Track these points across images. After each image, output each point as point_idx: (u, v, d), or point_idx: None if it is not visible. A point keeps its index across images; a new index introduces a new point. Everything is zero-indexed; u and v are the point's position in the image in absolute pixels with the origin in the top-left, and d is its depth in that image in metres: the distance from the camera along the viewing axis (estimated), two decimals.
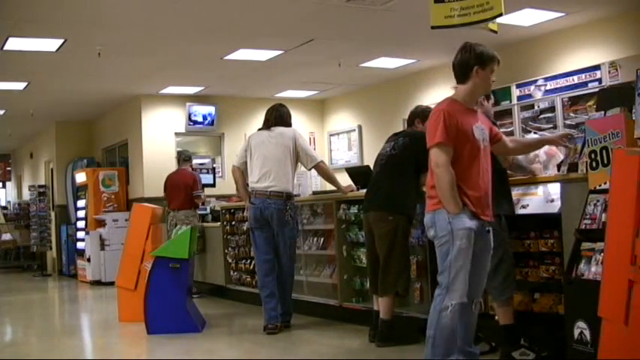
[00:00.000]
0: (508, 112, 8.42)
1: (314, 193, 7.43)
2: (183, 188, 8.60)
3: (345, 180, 6.35)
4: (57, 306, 9.92)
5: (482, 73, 3.84)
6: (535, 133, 7.41)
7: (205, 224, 8.83)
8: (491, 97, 4.73)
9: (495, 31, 5.46)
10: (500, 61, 3.93)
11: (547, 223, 4.37)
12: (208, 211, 9.27)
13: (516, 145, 4.29)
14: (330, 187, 6.46)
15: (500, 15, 5.07)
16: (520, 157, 4.72)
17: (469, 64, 3.84)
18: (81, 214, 12.30)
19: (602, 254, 3.51)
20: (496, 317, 4.58)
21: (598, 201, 3.72)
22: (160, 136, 11.18)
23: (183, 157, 8.90)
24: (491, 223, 3.84)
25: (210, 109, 11.47)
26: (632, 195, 3.19)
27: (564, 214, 4.15)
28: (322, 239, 6.61)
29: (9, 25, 7.06)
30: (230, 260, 8.02)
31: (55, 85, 10.08)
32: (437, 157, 3.67)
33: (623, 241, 3.21)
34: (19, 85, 9.87)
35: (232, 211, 7.96)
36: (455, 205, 3.62)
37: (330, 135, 12.36)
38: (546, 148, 4.79)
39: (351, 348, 5.31)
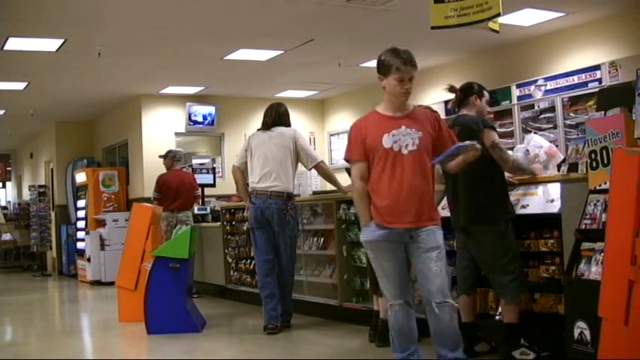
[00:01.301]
0: (508, 112, 8.42)
1: (314, 193, 7.43)
2: (189, 189, 8.63)
3: (345, 180, 6.34)
4: (57, 306, 9.92)
5: (385, 80, 3.79)
6: (535, 133, 7.41)
7: (205, 224, 8.83)
8: (485, 94, 4.67)
9: (497, 31, 5.46)
10: (407, 62, 3.69)
11: (547, 223, 4.37)
12: (208, 211, 9.28)
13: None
14: (330, 187, 6.46)
15: (499, 15, 5.07)
16: (520, 158, 4.74)
17: (377, 71, 3.87)
18: (81, 214, 12.30)
19: (602, 254, 3.51)
20: (497, 317, 4.59)
21: (598, 201, 3.72)
22: (159, 136, 11.18)
23: (177, 157, 8.89)
24: (410, 229, 3.70)
25: (210, 109, 11.47)
26: (632, 195, 3.19)
27: (564, 214, 4.15)
28: (322, 239, 6.61)
29: (9, 25, 7.06)
30: (230, 260, 8.03)
31: (55, 85, 10.08)
32: (351, 173, 3.91)
33: (623, 241, 3.21)
34: (19, 85, 9.87)
35: (232, 211, 7.96)
36: (362, 218, 3.85)
37: (330, 135, 12.36)
38: (546, 147, 4.80)
39: (351, 348, 5.31)
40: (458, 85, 4.74)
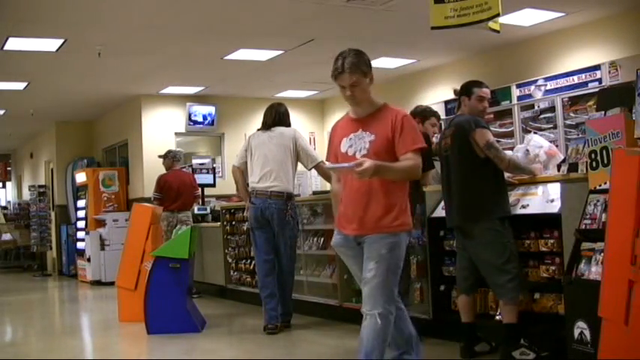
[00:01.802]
0: (508, 112, 8.42)
1: (314, 193, 7.43)
2: (190, 189, 8.65)
3: None
4: (57, 306, 9.92)
5: None
6: (535, 133, 7.41)
7: (205, 224, 8.83)
8: (474, 91, 4.67)
9: (498, 31, 5.45)
10: (341, 70, 3.56)
11: (547, 223, 4.37)
12: (208, 211, 9.28)
13: None
14: (330, 187, 6.45)
15: (498, 15, 5.07)
16: (519, 157, 4.74)
17: None
18: (81, 214, 12.30)
19: (602, 254, 3.51)
20: (497, 317, 4.59)
21: (598, 201, 3.71)
22: (159, 136, 11.18)
23: (177, 158, 8.89)
24: (358, 237, 3.54)
25: (210, 109, 11.47)
26: (632, 195, 3.19)
27: (564, 214, 4.15)
28: (322, 239, 6.60)
29: (9, 25, 7.06)
30: (230, 260, 8.03)
31: (55, 85, 10.08)
32: None
33: (623, 241, 3.21)
34: (19, 85, 9.87)
35: (232, 211, 7.96)
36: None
37: None
38: (546, 147, 4.80)
39: (351, 348, 5.29)
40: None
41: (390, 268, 3.49)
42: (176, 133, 11.38)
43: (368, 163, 3.30)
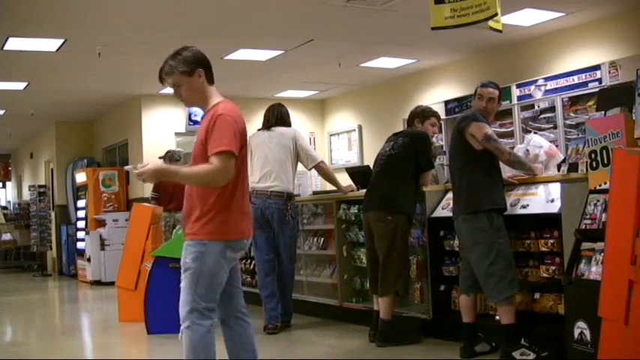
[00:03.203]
0: (508, 112, 8.41)
1: (314, 193, 7.42)
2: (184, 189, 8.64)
3: (345, 180, 6.36)
4: (57, 306, 9.92)
5: None
6: (535, 133, 7.41)
7: None
8: (476, 90, 4.72)
9: (500, 31, 5.45)
10: (160, 76, 3.58)
11: (547, 223, 4.37)
12: None
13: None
14: (330, 187, 6.46)
15: (496, 15, 5.08)
16: (520, 153, 4.76)
17: None
18: (81, 214, 12.30)
19: (602, 254, 3.51)
20: (497, 317, 4.59)
21: (598, 201, 3.72)
22: (159, 136, 11.18)
23: (175, 157, 8.89)
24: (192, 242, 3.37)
25: None
26: (632, 195, 3.20)
27: (564, 214, 4.15)
28: (322, 239, 6.61)
29: (9, 25, 7.06)
30: None
31: (55, 85, 10.07)
32: None
33: (623, 241, 3.21)
34: (19, 85, 9.87)
35: None
36: None
37: (330, 135, 12.36)
38: (546, 147, 4.81)
39: (351, 348, 5.31)
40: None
41: (194, 279, 3.34)
42: (176, 133, 11.37)
43: (148, 166, 3.18)
